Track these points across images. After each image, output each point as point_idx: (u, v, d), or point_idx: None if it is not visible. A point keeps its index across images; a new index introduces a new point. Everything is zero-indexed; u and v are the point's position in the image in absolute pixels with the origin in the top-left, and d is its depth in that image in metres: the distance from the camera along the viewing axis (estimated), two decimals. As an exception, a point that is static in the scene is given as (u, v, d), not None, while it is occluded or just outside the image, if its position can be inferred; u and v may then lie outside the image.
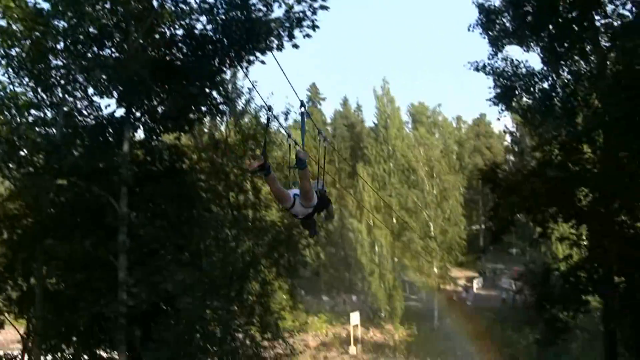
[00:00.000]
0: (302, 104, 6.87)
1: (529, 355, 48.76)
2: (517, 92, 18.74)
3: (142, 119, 13.90)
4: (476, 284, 72.65)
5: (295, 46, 13.88)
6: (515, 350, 51.19)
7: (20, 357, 15.23)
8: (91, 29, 13.28)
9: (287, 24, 13.73)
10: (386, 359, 55.86)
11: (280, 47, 13.80)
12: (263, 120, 18.84)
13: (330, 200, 7.51)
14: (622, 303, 13.40)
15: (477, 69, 18.93)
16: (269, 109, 15.11)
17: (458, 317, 59.32)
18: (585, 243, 14.27)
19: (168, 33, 14.20)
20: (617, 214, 13.35)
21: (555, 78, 17.45)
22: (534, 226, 15.34)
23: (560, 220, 14.63)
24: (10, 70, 13.56)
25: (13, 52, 13.52)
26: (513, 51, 53.13)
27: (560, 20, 15.64)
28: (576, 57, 16.47)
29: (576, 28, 15.45)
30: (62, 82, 13.77)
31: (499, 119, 73.94)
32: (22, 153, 13.92)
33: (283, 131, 19.06)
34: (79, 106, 14.41)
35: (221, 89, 14.08)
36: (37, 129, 13.87)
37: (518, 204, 13.41)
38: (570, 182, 13.31)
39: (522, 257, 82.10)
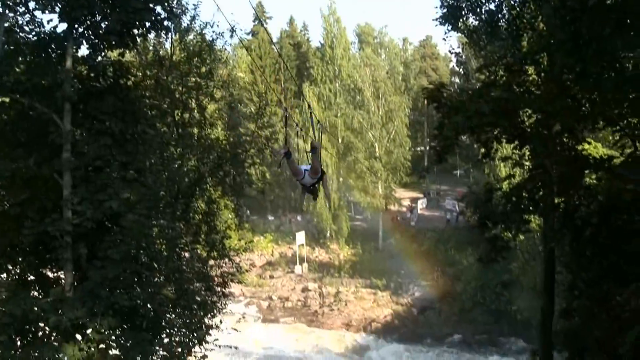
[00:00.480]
0: (309, 105, 13.91)
1: (471, 275, 51.92)
2: (463, 13, 19.02)
3: (86, 35, 13.71)
4: (420, 205, 75.26)
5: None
6: (458, 269, 54.22)
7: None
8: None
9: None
10: (331, 278, 58.19)
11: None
12: (208, 37, 18.88)
13: (325, 171, 10.63)
14: (562, 223, 14.13)
15: (423, -12, 19.13)
16: (286, 109, 15.96)
17: (402, 237, 61.89)
18: (527, 164, 14.89)
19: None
20: (559, 135, 13.93)
21: (501, -1, 17.81)
22: (478, 147, 15.85)
23: (504, 141, 15.05)
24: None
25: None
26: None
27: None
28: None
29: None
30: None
31: (444, 40, 74.10)
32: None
33: (229, 49, 19.09)
34: (20, 22, 14.18)
35: (165, 4, 13.95)
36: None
37: (462, 124, 13.47)
38: (514, 103, 13.71)
39: (465, 179, 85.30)
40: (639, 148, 13.29)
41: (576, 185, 13.71)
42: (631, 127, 13.30)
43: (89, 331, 13.48)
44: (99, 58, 14.16)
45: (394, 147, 64.86)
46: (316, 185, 10.19)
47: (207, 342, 16.50)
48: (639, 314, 10.18)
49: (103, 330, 13.32)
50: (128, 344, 13.63)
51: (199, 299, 16.89)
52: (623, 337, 8.26)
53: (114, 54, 14.95)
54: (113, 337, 13.79)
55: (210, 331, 16.94)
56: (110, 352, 13.84)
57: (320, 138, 10.93)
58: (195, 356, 15.05)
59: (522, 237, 41.67)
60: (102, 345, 13.74)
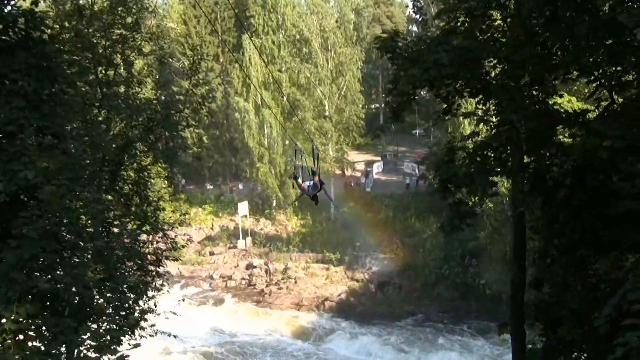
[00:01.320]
0: (312, 143, 20.10)
1: (434, 245, 53.00)
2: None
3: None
4: (376, 169, 76.08)
5: None
6: (419, 240, 55.21)
7: None
8: None
9: None
10: (279, 253, 58.57)
11: None
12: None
13: (324, 182, 18.11)
14: (532, 184, 14.25)
15: None
16: (296, 144, 19.08)
17: (357, 205, 62.56)
18: (493, 119, 14.94)
19: None
20: (528, 87, 13.99)
21: None
22: (438, 103, 15.83)
23: (467, 95, 15.11)
24: None
25: None
26: None
27: None
28: None
29: None
30: None
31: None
32: None
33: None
34: None
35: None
36: None
37: (419, 77, 13.33)
38: (477, 52, 13.65)
39: (426, 139, 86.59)
40: (616, 100, 13.56)
41: (547, 143, 13.90)
42: (607, 77, 13.48)
43: (3, 320, 13.20)
44: (8, 8, 13.58)
45: (346, 105, 64.99)
46: (317, 195, 17.95)
47: (142, 329, 16.42)
48: (617, 284, 10.51)
49: (20, 319, 13.04)
50: (49, 334, 13.39)
51: (130, 280, 16.73)
52: (599, 308, 8.54)
53: (25, 3, 14.37)
54: (32, 327, 13.52)
55: (146, 316, 16.84)
56: (29, 343, 13.59)
57: (318, 162, 18.71)
58: (129, 344, 14.91)
59: (489, 202, 43.05)
60: (19, 336, 13.47)
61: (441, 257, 51.43)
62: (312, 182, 18.72)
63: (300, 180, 17.92)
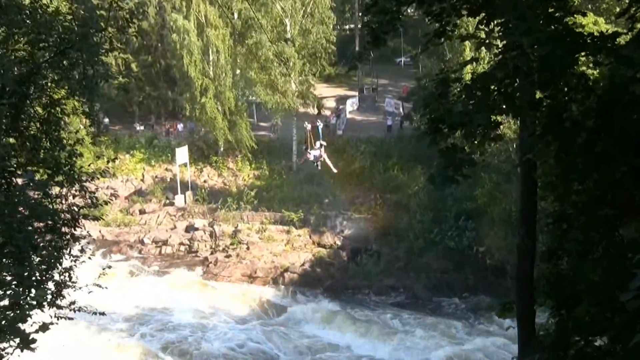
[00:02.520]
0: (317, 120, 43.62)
1: (422, 203, 53.54)
2: None
3: None
4: (350, 107, 76.30)
5: None
6: (404, 196, 55.75)
7: None
8: None
9: None
10: (227, 212, 58.73)
11: None
12: None
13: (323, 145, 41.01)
14: (545, 126, 14.32)
15: None
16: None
17: (326, 152, 62.96)
18: (497, 43, 14.92)
19: None
20: (542, 3, 13.94)
21: None
22: (429, 23, 15.73)
23: (465, 13, 15.05)
24: None
25: None
26: None
27: None
28: None
29: None
30: None
31: None
32: None
33: None
34: None
35: None
36: None
37: None
38: None
39: (413, 69, 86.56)
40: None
41: (565, 74, 13.87)
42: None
43: None
44: None
45: (312, 26, 64.50)
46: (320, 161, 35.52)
47: (59, 307, 16.36)
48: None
49: None
50: None
51: (38, 244, 16.59)
52: (627, 280, 8.62)
53: None
54: None
55: (64, 291, 16.76)
56: None
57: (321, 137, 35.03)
58: (43, 324, 14.84)
59: (490, 149, 43.51)
60: None
61: (430, 218, 51.98)
62: (317, 153, 35.79)
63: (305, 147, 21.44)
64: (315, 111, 70.85)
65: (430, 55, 60.70)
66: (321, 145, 42.28)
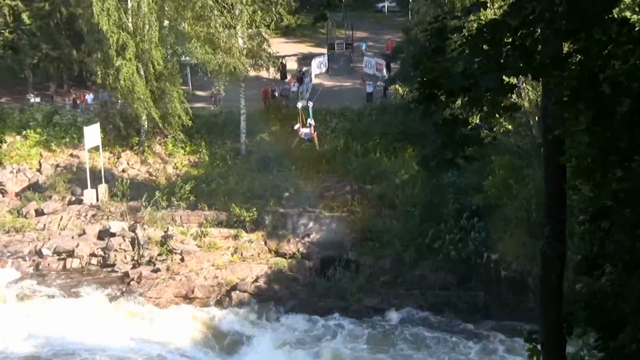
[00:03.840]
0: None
1: (413, 197, 53.44)
2: None
3: None
4: (317, 69, 76.40)
5: None
6: (389, 187, 55.69)
7: None
8: None
9: None
10: (154, 211, 58.23)
11: None
12: None
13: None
14: (575, 90, 14.15)
15: None
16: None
17: (283, 130, 62.72)
18: None
19: None
20: None
21: None
22: None
23: None
24: None
25: None
26: None
27: None
28: None
29: None
30: None
31: None
32: None
33: None
34: None
35: None
36: None
37: None
38: None
39: (399, 17, 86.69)
40: None
41: (602, 20, 13.77)
42: None
43: None
44: None
45: (266, -40, 64.60)
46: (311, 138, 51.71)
47: None
48: None
49: None
50: None
51: None
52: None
53: None
54: None
55: None
56: None
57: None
58: None
59: (503, 122, 43.39)
60: None
61: (424, 216, 51.83)
62: (308, 131, 45.83)
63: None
64: (274, 73, 70.74)
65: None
66: (310, 124, 50.22)
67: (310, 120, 51.10)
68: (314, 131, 51.75)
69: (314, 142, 52.66)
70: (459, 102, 14.79)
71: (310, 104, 47.81)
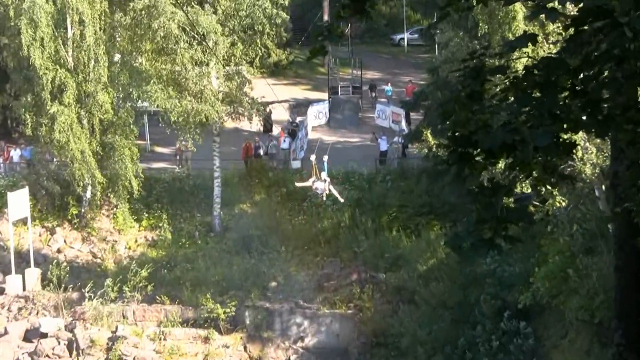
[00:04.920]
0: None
1: (438, 291, 53.18)
2: None
3: None
4: (315, 119, 76.53)
5: None
6: (410, 275, 55.47)
7: None
8: None
9: None
10: (101, 306, 57.96)
11: None
12: None
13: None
14: None
15: None
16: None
17: (269, 198, 62.74)
18: (570, 9, 15.07)
19: None
20: None
21: None
22: None
23: None
24: None
25: None
26: None
27: None
28: None
29: None
30: None
31: None
32: None
33: None
34: None
35: None
36: None
37: None
38: None
39: (421, 53, 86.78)
40: None
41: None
42: None
43: None
44: None
45: (249, -22, 64.78)
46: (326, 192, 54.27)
47: None
48: None
49: None
50: None
51: None
52: None
53: None
54: None
55: None
56: None
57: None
58: None
59: (557, 192, 43.33)
60: None
61: (456, 316, 51.57)
62: (322, 185, 50.00)
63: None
64: (258, 126, 70.75)
65: (451, 27, 60.63)
66: (325, 179, 54.14)
67: (325, 176, 53.95)
68: (330, 184, 55.00)
69: (335, 196, 56.39)
70: (500, 164, 14.93)
71: (326, 158, 52.97)
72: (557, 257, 48.24)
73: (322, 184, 53.89)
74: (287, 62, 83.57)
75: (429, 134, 57.62)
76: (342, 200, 56.94)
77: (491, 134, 14.09)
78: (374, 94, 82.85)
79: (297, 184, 59.43)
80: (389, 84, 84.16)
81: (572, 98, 14.07)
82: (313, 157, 53.57)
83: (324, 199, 56.42)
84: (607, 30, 13.37)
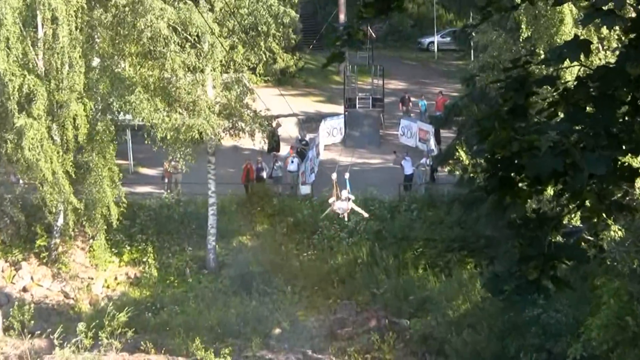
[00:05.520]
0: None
1: (473, 341, 53.03)
2: None
3: None
4: (328, 136, 76.75)
5: None
6: (440, 323, 55.34)
7: None
8: None
9: None
10: (71, 355, 58.07)
11: None
12: None
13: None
14: None
15: None
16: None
17: (273, 229, 62.71)
18: (629, 10, 15.14)
19: None
20: None
21: None
22: None
23: None
24: None
25: None
26: None
27: None
28: None
29: None
30: None
31: None
32: None
33: None
34: None
35: None
36: None
37: None
38: None
39: (455, 60, 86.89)
40: None
41: None
42: None
43: None
44: None
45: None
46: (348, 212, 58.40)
47: None
48: None
49: None
50: None
51: None
52: None
53: None
54: None
55: None
56: None
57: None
58: None
59: (615, 226, 43.27)
60: None
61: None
62: (345, 206, 56.35)
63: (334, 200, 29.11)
64: (261, 144, 70.56)
65: (490, 29, 60.29)
66: (348, 198, 56.87)
67: (349, 194, 56.80)
68: (352, 203, 57.51)
69: (360, 214, 59.66)
70: (548, 191, 15.00)
71: (347, 175, 55.23)
72: (613, 301, 48.16)
73: (344, 204, 55.71)
74: (296, 68, 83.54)
75: (463, 153, 57.65)
76: (366, 215, 59.23)
77: (539, 159, 14.10)
78: (405, 108, 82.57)
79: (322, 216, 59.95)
80: (423, 96, 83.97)
81: (632, 114, 14.15)
82: (334, 175, 55.92)
83: (346, 219, 58.69)
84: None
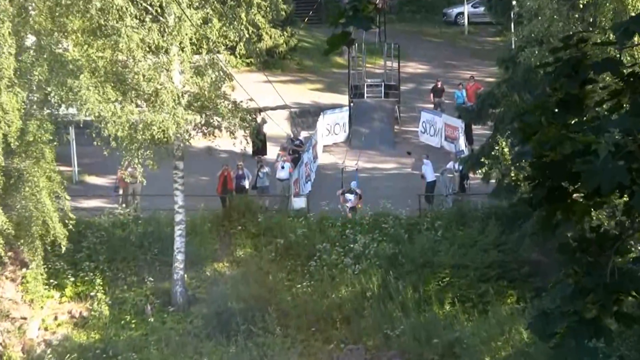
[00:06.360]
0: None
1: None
2: None
3: None
4: (327, 134, 77.03)
5: None
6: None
7: None
8: None
9: None
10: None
11: None
12: None
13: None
14: None
15: None
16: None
17: (258, 252, 62.89)
18: None
19: None
20: None
21: None
22: None
23: None
24: None
25: None
26: None
27: None
28: None
29: None
30: None
31: None
32: None
33: None
34: None
35: None
36: None
37: None
38: None
39: (490, 36, 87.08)
40: None
41: None
42: None
43: None
44: None
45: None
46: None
47: None
48: None
49: None
50: None
51: None
52: None
53: None
54: None
55: None
56: None
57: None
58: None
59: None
60: None
61: None
62: (353, 198, 63.95)
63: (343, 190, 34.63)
64: (243, 144, 70.32)
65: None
66: (358, 193, 63.83)
67: (357, 188, 63.42)
68: (359, 200, 63.28)
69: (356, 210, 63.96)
70: (612, 204, 15.15)
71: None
72: None
73: (352, 196, 63.33)
74: (287, 48, 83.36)
75: (504, 150, 56.96)
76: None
77: (598, 166, 14.07)
78: (437, 100, 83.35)
79: None
80: (460, 85, 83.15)
81: None
82: (340, 192, 63.97)
83: (349, 216, 62.27)
84: None
